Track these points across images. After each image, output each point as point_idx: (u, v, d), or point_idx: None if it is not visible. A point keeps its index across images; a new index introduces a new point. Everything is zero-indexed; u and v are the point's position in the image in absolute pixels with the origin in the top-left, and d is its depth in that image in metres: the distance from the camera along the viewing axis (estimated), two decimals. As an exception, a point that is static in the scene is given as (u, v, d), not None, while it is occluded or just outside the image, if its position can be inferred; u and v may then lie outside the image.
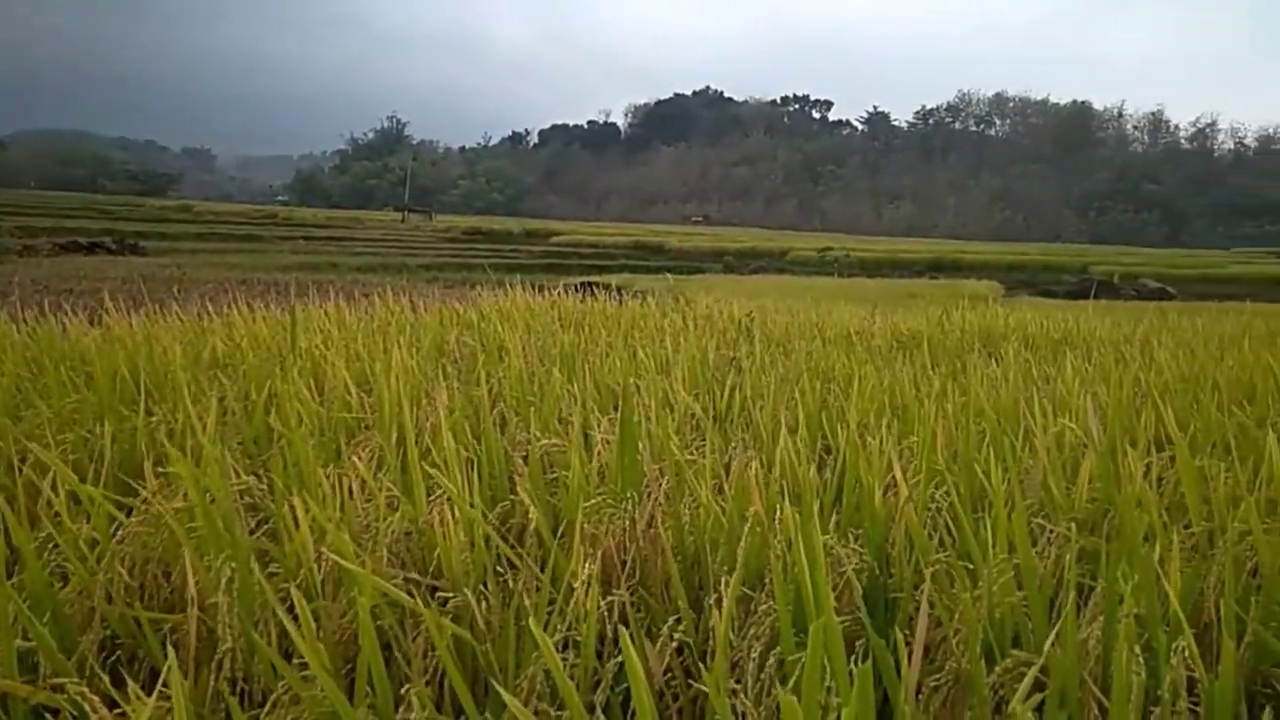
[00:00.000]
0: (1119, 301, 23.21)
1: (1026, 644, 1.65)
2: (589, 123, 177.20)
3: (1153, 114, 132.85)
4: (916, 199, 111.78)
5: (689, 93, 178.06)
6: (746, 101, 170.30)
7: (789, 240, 65.80)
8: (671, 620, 1.69)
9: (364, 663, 1.44)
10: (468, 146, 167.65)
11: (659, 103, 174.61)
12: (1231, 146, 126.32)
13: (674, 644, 1.65)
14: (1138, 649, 1.48)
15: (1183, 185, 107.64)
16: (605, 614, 1.70)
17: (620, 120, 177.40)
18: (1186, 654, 1.42)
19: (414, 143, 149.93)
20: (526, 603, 1.65)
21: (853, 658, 1.65)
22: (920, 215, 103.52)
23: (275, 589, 1.64)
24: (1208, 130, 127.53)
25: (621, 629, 1.33)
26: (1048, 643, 1.43)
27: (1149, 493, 2.37)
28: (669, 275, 16.78)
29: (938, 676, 1.54)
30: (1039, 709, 1.43)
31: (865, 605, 1.88)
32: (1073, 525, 1.98)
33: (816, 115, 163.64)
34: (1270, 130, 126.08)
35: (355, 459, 2.19)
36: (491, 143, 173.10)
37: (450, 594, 1.71)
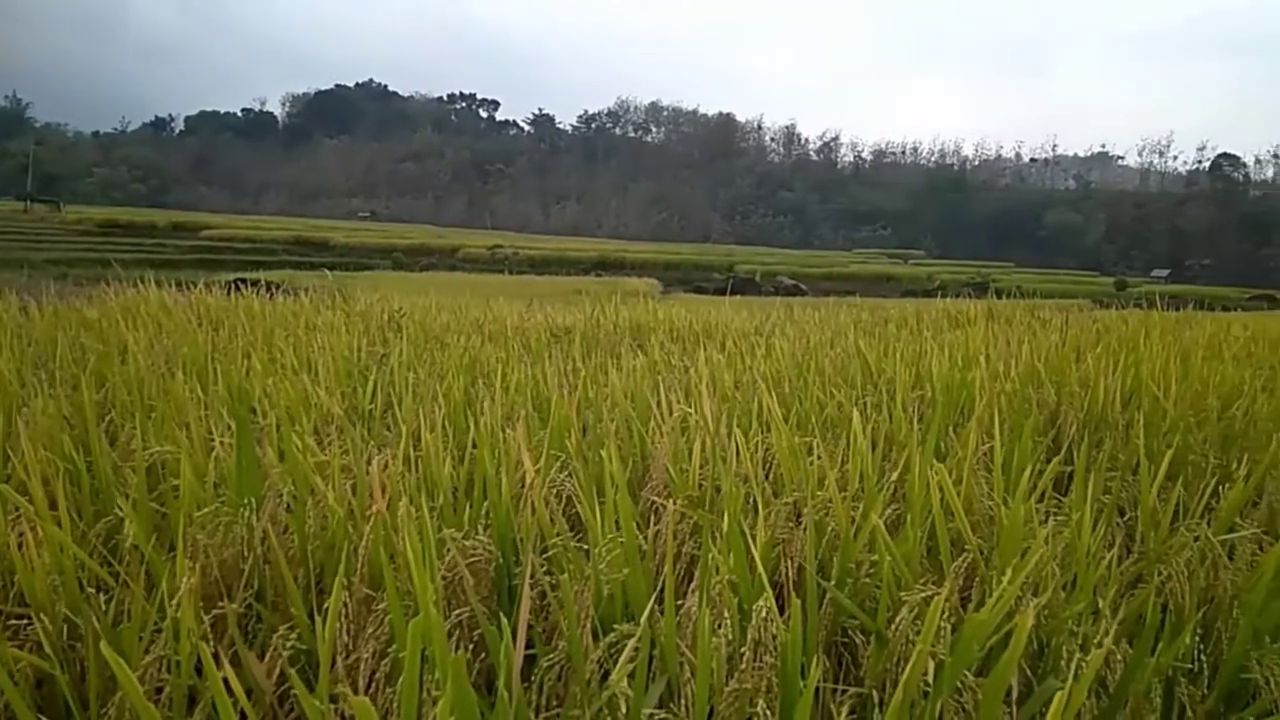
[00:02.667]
0: (760, 297, 25.29)
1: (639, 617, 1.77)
2: (244, 111, 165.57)
3: (787, 128, 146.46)
4: (582, 200, 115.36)
5: (351, 84, 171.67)
6: (413, 97, 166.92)
7: (460, 237, 65.53)
8: (284, 629, 1.65)
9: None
10: (103, 131, 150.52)
11: (319, 93, 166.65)
12: (851, 159, 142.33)
13: (287, 653, 1.61)
14: (728, 612, 1.64)
15: (812, 192, 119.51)
16: (210, 629, 1.63)
17: (278, 109, 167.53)
18: (766, 613, 1.59)
19: (38, 125, 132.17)
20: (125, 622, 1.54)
21: (473, 648, 1.69)
22: (585, 216, 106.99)
23: None
24: (832, 144, 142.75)
25: (203, 645, 1.28)
26: (644, 615, 1.54)
27: (756, 469, 2.63)
28: (327, 272, 16.10)
29: (551, 656, 1.62)
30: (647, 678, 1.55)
31: (498, 594, 1.94)
32: (686, 501, 2.15)
33: (484, 114, 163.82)
34: (883, 145, 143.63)
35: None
36: (131, 128, 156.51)
37: (35, 622, 1.55)
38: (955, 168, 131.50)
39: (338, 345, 4.44)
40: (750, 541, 1.84)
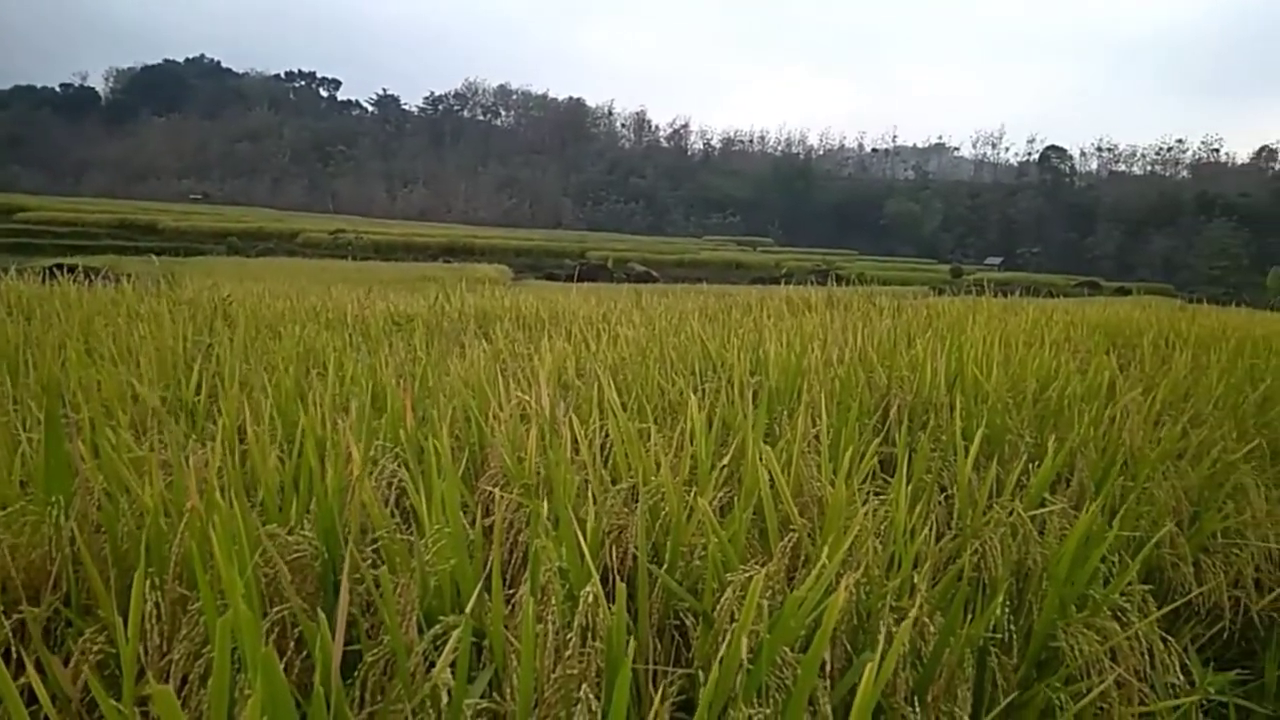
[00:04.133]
0: (612, 284, 25.41)
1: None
2: (63, 86, 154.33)
3: (638, 114, 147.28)
4: (429, 184, 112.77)
5: (181, 59, 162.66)
6: (248, 74, 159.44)
7: (299, 221, 63.13)
8: (90, 632, 1.55)
9: None
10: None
11: (146, 69, 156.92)
12: (701, 146, 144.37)
13: (96, 657, 1.52)
14: (554, 599, 1.63)
15: (663, 179, 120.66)
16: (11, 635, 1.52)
17: (100, 85, 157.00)
18: (593, 599, 1.59)
19: None
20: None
21: (295, 645, 1.63)
22: (433, 200, 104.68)
23: None
24: (682, 131, 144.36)
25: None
26: (469, 604, 1.52)
27: (594, 456, 2.63)
28: (154, 257, 15.24)
29: (376, 651, 1.58)
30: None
31: (325, 590, 1.87)
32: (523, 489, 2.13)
33: (325, 94, 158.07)
34: (731, 133, 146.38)
35: None
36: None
37: None
38: (801, 157, 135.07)
39: (161, 335, 4.21)
40: (578, 529, 1.84)
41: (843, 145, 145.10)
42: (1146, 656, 2.36)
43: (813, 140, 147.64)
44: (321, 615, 1.38)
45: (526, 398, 2.95)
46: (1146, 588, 2.61)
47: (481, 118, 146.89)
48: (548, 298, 9.45)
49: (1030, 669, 2.31)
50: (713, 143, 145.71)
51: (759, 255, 70.65)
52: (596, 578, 1.63)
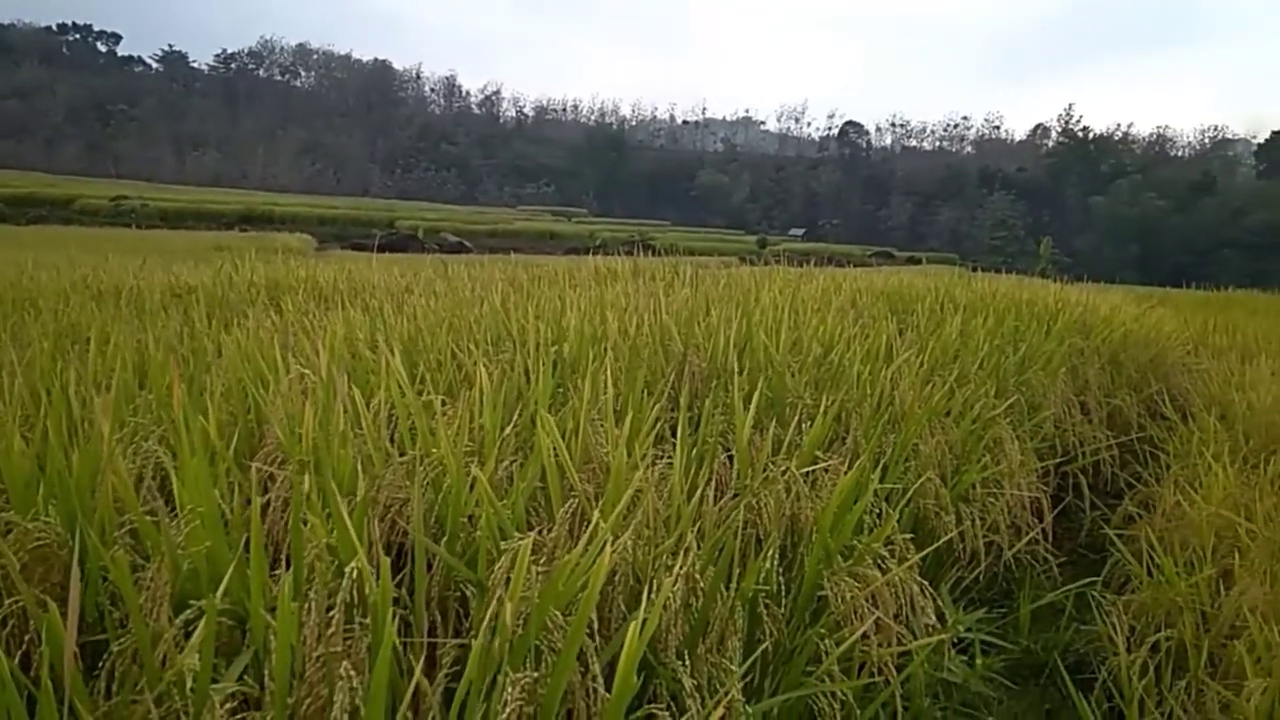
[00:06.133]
0: (423, 254, 24.77)
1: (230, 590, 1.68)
2: None
3: (447, 79, 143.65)
4: (223, 147, 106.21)
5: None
6: (14, 25, 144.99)
7: (76, 186, 58.27)
8: None
9: None
10: None
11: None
12: (514, 114, 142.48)
13: None
14: (319, 577, 1.59)
15: (475, 147, 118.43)
16: None
17: None
18: (358, 574, 1.57)
19: None
20: None
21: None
22: (228, 164, 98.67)
23: None
24: (494, 98, 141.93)
25: None
26: (221, 587, 1.47)
27: (379, 430, 2.58)
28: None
29: (125, 639, 1.50)
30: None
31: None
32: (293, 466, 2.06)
33: (103, 48, 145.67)
34: (544, 102, 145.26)
35: None
36: None
37: None
38: (614, 127, 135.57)
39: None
40: (341, 504, 1.80)
41: (654, 116, 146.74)
42: (909, 600, 2.54)
43: (625, 111, 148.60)
44: (53, 606, 1.30)
45: (307, 371, 2.86)
46: (908, 536, 2.81)
47: (279, 78, 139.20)
48: (350, 268, 9.13)
49: (801, 618, 2.45)
50: (525, 110, 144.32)
51: (574, 225, 70.63)
52: (362, 553, 1.60)
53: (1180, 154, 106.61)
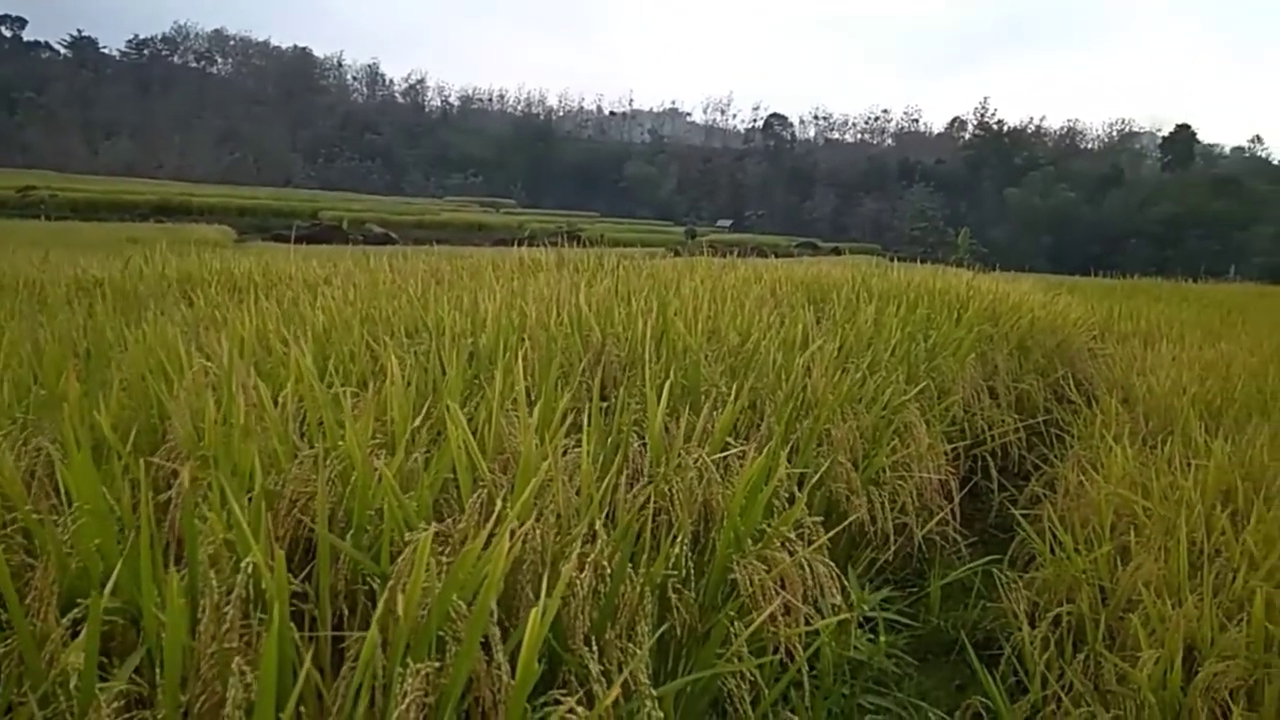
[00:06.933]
0: (348, 246, 24.33)
1: (121, 589, 1.65)
2: None
3: (370, 67, 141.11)
4: (136, 136, 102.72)
5: None
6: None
7: (-20, 177, 55.90)
8: None
9: None
10: None
11: None
12: (439, 104, 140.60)
13: None
14: (215, 574, 1.58)
15: (400, 137, 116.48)
16: None
17: None
18: (253, 570, 1.55)
19: None
20: None
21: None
22: (142, 154, 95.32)
23: None
24: (419, 87, 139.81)
25: None
26: (109, 585, 1.45)
27: (288, 423, 2.55)
28: None
29: (11, 640, 1.47)
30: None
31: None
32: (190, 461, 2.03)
33: (7, 33, 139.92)
34: (470, 91, 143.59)
35: None
36: None
37: None
38: (541, 118, 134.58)
39: None
40: (233, 498, 1.78)
41: (581, 107, 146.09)
42: (816, 582, 2.60)
43: (552, 101, 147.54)
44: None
45: (211, 365, 2.81)
46: (819, 520, 2.87)
47: (195, 64, 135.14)
48: (269, 260, 8.94)
49: (713, 601, 2.49)
50: (451, 100, 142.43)
51: (502, 216, 70.00)
52: (257, 548, 1.58)
53: (1090, 146, 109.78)
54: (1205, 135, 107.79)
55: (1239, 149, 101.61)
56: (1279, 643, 2.74)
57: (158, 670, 1.44)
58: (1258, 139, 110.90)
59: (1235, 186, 72.23)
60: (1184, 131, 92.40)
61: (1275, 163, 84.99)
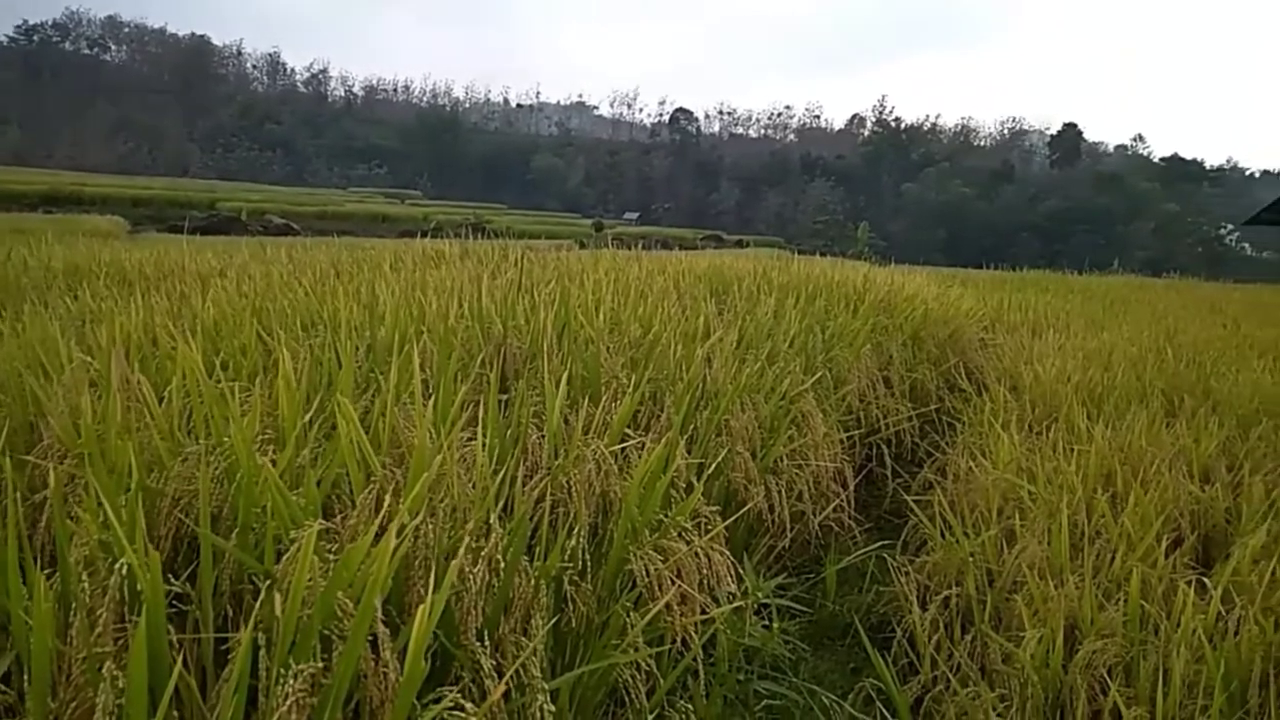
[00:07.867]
0: (246, 237, 23.60)
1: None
2: None
3: (270, 56, 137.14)
4: (25, 124, 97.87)
5: None
6: None
7: None
8: None
9: None
10: None
11: None
12: (343, 94, 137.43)
13: None
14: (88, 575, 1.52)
15: (302, 127, 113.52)
16: None
17: None
18: (127, 571, 1.50)
19: None
20: None
21: None
22: (31, 142, 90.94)
23: None
24: (321, 76, 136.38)
25: None
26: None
27: (174, 420, 2.48)
28: None
29: None
30: None
31: None
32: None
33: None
34: (374, 81, 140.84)
35: None
36: None
37: None
38: (448, 109, 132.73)
39: None
40: (104, 498, 1.72)
41: (488, 99, 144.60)
42: (715, 571, 2.64)
43: (459, 93, 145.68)
44: None
45: (93, 361, 2.71)
46: (716, 509, 2.91)
47: (88, 51, 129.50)
48: (162, 252, 8.63)
49: (610, 593, 2.50)
50: (355, 90, 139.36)
51: (407, 208, 68.71)
52: (130, 549, 1.54)
53: (983, 144, 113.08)
54: (1091, 134, 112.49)
55: (1122, 147, 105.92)
56: (1154, 620, 2.88)
57: (26, 677, 1.39)
58: (1139, 138, 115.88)
59: (1118, 183, 75.35)
60: (1071, 130, 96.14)
61: (1156, 161, 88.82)
